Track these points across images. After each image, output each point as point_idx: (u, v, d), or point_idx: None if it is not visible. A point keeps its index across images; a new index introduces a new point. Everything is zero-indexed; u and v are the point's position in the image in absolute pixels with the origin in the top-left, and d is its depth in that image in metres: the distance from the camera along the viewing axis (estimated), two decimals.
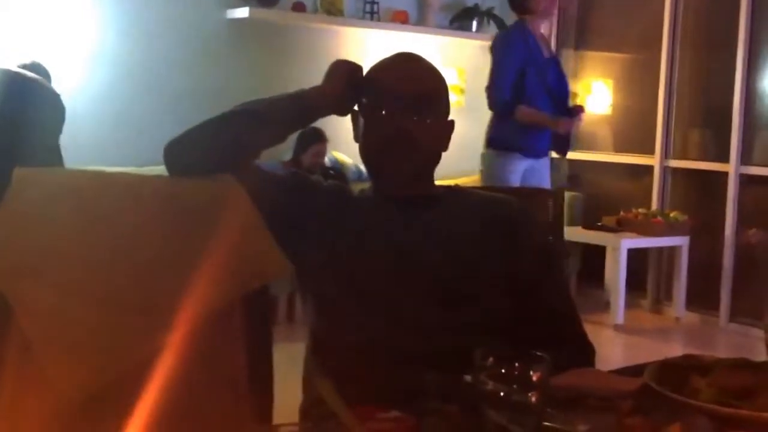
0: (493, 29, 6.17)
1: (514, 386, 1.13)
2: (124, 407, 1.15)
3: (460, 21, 6.16)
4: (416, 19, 6.03)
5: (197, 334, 1.20)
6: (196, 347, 1.19)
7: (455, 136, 1.71)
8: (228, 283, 1.26)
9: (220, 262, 1.25)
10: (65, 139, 2.23)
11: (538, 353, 1.16)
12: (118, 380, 1.18)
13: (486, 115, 4.83)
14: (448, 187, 1.77)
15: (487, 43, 6.29)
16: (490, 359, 1.16)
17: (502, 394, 1.13)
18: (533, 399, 1.13)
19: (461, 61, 6.16)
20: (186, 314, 1.19)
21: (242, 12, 5.26)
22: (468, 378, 1.18)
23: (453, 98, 5.46)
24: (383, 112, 1.62)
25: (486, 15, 6.18)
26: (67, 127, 2.30)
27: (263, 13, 5.33)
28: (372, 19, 5.78)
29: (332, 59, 1.69)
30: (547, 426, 1.13)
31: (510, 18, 6.13)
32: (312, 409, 1.56)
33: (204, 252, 1.25)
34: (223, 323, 1.26)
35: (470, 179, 5.43)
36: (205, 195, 1.43)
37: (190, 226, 1.34)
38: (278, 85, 5.24)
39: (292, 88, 1.65)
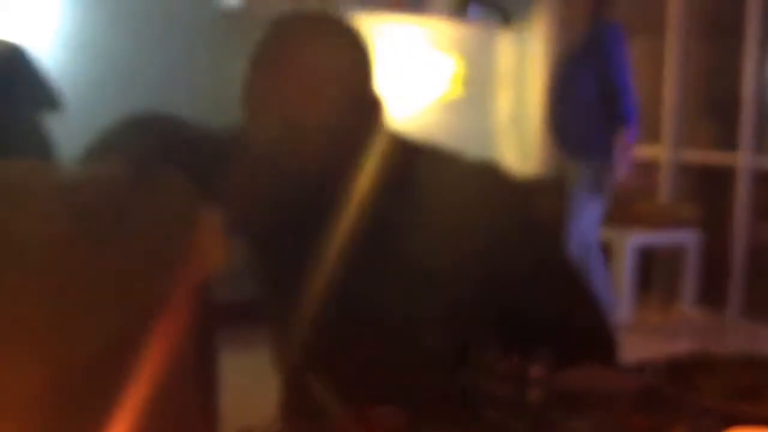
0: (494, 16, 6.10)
1: (513, 383, 1.11)
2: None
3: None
4: (413, 4, 5.90)
5: (142, 332, 1.12)
6: (142, 345, 1.12)
7: (452, 132, 1.50)
8: (168, 275, 1.16)
9: (154, 254, 1.15)
10: None
11: (538, 349, 1.14)
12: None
13: (489, 106, 4.69)
14: (419, 158, 1.44)
15: (489, 31, 6.24)
16: (489, 355, 1.13)
17: (500, 391, 1.11)
18: (532, 396, 1.11)
19: (461, 50, 6.03)
20: (128, 310, 1.12)
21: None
22: (466, 375, 1.16)
23: (449, 87, 5.25)
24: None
25: (487, 1, 6.10)
26: None
27: (256, 1, 5.24)
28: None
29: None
30: (546, 424, 1.11)
31: (512, 6, 6.09)
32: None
33: (135, 245, 1.15)
34: (166, 320, 1.19)
35: None
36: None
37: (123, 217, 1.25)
38: None
39: None
